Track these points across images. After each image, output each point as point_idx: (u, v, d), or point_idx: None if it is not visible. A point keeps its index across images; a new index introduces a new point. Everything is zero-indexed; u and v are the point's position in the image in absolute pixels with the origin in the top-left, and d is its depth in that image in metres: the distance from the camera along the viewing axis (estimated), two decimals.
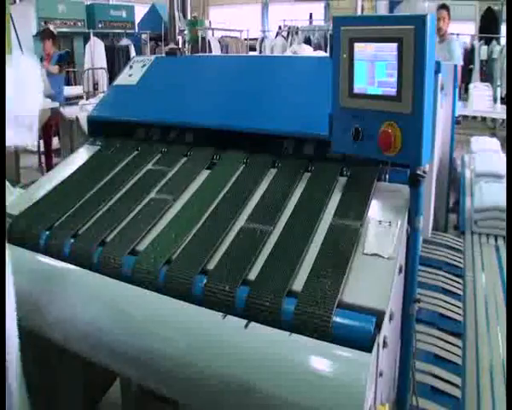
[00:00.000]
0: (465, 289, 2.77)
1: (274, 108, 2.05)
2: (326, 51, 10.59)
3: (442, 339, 2.30)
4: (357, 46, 1.51)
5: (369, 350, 1.19)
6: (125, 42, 11.72)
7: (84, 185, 1.98)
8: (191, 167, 2.01)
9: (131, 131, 2.35)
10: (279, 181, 1.83)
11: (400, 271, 1.52)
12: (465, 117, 8.54)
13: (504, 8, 11.86)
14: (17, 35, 7.34)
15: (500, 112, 8.15)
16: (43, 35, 7.04)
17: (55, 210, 1.82)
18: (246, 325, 1.29)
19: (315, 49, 11.18)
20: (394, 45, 1.42)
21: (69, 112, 6.95)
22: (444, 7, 6.06)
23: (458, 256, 3.09)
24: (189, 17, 13.11)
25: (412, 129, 1.44)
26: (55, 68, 6.89)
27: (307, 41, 12.44)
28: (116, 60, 11.21)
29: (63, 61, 7.19)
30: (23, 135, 1.25)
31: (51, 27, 7.68)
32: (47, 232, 1.72)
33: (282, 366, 1.22)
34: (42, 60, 7.11)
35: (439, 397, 1.98)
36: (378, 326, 1.24)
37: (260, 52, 12.99)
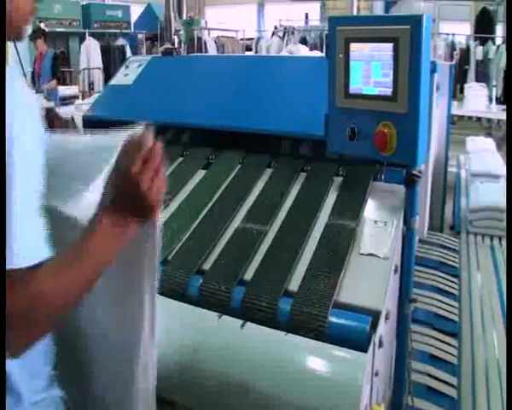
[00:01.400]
0: (460, 288, 2.78)
1: (270, 108, 2.05)
2: (322, 51, 10.59)
3: (438, 339, 2.30)
4: (353, 46, 1.51)
5: (365, 350, 1.19)
6: (120, 42, 11.68)
7: None
8: (187, 167, 2.01)
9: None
10: (275, 181, 1.83)
11: (396, 271, 1.53)
12: (461, 117, 8.53)
13: (500, 8, 11.89)
14: None
15: (496, 112, 8.13)
16: (35, 34, 7.00)
17: None
18: (242, 325, 1.29)
19: (311, 49, 11.14)
20: (390, 45, 1.42)
21: (65, 112, 6.92)
22: None
23: (454, 256, 3.10)
24: (184, 17, 13.08)
25: (408, 129, 1.44)
26: (53, 84, 6.87)
27: (303, 41, 12.42)
28: (112, 60, 11.16)
29: (58, 61, 7.15)
30: None
31: (42, 25, 7.62)
32: None
33: (277, 366, 1.22)
34: (35, 60, 7.09)
35: (435, 397, 1.98)
36: (374, 326, 1.24)
37: (256, 52, 12.96)
